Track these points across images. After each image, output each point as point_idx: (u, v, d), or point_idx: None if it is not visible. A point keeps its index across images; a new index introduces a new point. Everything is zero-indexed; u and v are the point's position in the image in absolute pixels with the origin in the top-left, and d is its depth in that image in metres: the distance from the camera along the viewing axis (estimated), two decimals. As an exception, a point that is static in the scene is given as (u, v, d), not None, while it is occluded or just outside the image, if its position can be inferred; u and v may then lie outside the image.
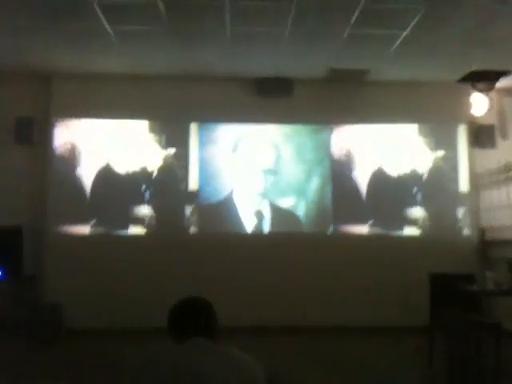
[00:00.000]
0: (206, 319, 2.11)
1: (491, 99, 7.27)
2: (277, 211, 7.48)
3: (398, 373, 5.29)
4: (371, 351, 6.19)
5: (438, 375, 5.11)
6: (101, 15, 5.40)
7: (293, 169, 7.54)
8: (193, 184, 7.43)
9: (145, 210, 7.35)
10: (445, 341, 4.97)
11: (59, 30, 5.83)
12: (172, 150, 7.45)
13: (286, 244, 7.31)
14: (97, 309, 6.93)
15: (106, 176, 7.36)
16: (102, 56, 6.68)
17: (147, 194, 7.38)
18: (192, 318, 2.10)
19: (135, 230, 7.32)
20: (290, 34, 5.88)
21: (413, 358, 5.73)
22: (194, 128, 7.51)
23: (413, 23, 5.54)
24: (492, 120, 7.61)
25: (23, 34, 5.93)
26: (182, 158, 7.44)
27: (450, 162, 7.67)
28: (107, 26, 5.71)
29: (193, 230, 7.40)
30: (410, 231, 7.53)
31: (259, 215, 7.45)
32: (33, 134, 7.19)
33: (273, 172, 7.52)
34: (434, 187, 7.61)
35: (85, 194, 7.31)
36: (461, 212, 7.60)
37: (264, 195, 7.48)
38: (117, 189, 7.36)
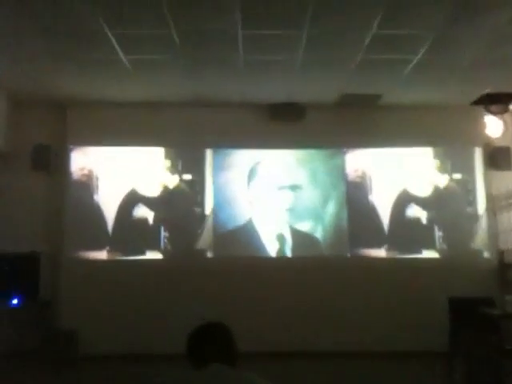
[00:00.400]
0: (224, 345, 2.11)
1: (505, 121, 7.26)
2: (295, 235, 7.45)
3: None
4: (389, 376, 6.09)
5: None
6: (116, 45, 5.51)
7: (309, 193, 7.53)
8: (208, 209, 7.45)
9: (161, 236, 7.38)
10: (464, 365, 4.88)
11: (75, 60, 5.95)
12: (187, 176, 7.50)
13: (304, 268, 7.26)
14: (112, 334, 6.92)
15: (121, 202, 7.41)
16: (117, 84, 6.79)
17: (163, 220, 7.41)
18: (210, 343, 2.09)
19: (151, 255, 7.33)
20: (302, 60, 5.94)
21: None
22: (208, 154, 7.56)
23: (425, 47, 5.58)
24: (507, 142, 7.57)
25: (40, 63, 6.07)
26: (197, 183, 7.48)
27: (467, 184, 7.62)
28: (122, 56, 5.81)
29: (209, 254, 7.39)
30: (428, 254, 7.45)
31: (278, 239, 7.43)
32: (49, 161, 7.28)
33: (293, 190, 7.52)
34: (451, 210, 7.55)
35: (101, 220, 7.36)
36: (479, 234, 7.53)
37: (281, 219, 7.47)
38: (133, 215, 7.40)
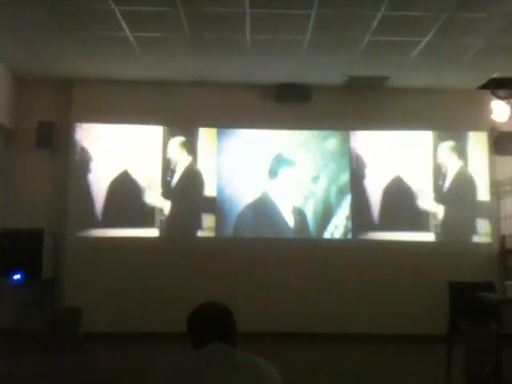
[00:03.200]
0: (224, 325, 2.11)
1: (512, 106, 7.21)
2: (296, 217, 7.47)
3: (415, 383, 5.25)
4: (387, 360, 6.14)
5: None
6: (122, 22, 5.46)
7: (311, 174, 7.53)
8: (211, 189, 7.45)
9: (164, 214, 7.39)
10: (463, 350, 4.91)
11: (81, 37, 5.91)
12: (191, 156, 7.49)
13: (305, 249, 7.30)
14: (115, 312, 6.97)
15: (124, 180, 7.41)
16: (123, 62, 6.75)
17: (168, 198, 7.42)
18: (211, 323, 2.10)
19: (154, 233, 7.36)
20: (310, 41, 5.89)
21: (430, 368, 5.67)
22: (212, 134, 7.54)
23: (433, 30, 5.52)
24: (513, 127, 7.53)
25: (45, 40, 6.03)
26: (201, 163, 7.47)
27: (471, 168, 7.60)
28: (128, 33, 5.77)
29: (212, 234, 7.42)
30: (430, 238, 7.47)
31: (279, 221, 7.45)
32: (54, 138, 7.25)
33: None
34: (454, 194, 7.54)
35: (104, 198, 7.37)
36: (481, 220, 7.53)
37: (284, 201, 7.48)
38: (136, 193, 7.41)
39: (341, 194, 7.53)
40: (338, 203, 7.52)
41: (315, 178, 7.52)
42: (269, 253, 7.26)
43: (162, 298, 7.00)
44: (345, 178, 7.54)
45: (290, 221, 7.46)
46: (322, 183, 7.53)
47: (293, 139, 7.58)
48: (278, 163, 7.55)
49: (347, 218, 7.50)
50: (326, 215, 7.50)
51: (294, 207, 7.48)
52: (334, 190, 7.54)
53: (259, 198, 7.46)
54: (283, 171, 7.54)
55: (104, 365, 5.74)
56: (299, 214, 7.48)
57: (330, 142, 7.61)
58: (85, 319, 6.73)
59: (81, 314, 6.71)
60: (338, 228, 7.50)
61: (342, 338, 6.81)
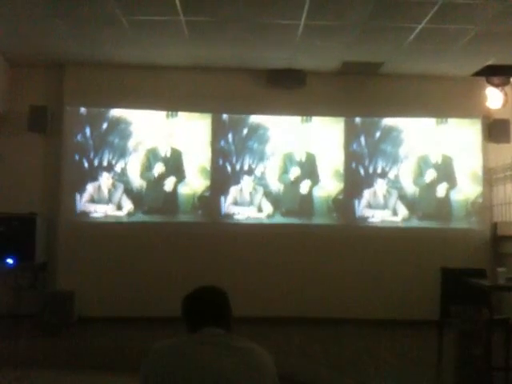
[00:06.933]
0: (219, 309, 2.12)
1: (506, 94, 7.21)
2: (289, 201, 7.48)
3: (406, 367, 5.29)
4: (380, 345, 6.18)
5: (446, 370, 5.09)
6: (115, 4, 5.40)
7: (306, 158, 7.54)
8: (208, 172, 7.45)
9: (159, 198, 7.38)
10: (454, 336, 4.96)
11: (73, 19, 5.83)
12: (184, 141, 7.47)
13: (296, 234, 7.33)
14: (109, 297, 6.98)
15: (119, 163, 7.39)
16: (116, 45, 6.68)
17: (161, 182, 7.40)
18: (206, 307, 2.10)
19: (148, 217, 7.35)
20: (304, 26, 5.85)
21: (421, 353, 5.72)
22: (206, 118, 7.51)
23: (429, 16, 5.49)
24: (507, 115, 7.53)
25: (37, 22, 5.94)
26: (193, 147, 7.45)
27: (464, 155, 7.61)
28: (121, 16, 5.70)
29: (205, 219, 7.42)
30: (422, 225, 7.50)
31: (275, 204, 7.46)
32: (46, 122, 7.19)
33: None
34: (448, 181, 7.56)
35: (97, 182, 7.35)
36: (474, 206, 7.55)
37: (278, 184, 7.50)
38: (129, 177, 7.38)
39: (333, 178, 7.53)
40: (330, 187, 7.53)
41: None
42: (265, 237, 7.29)
43: (157, 282, 7.01)
44: (338, 162, 7.54)
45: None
46: (315, 167, 7.54)
47: (289, 123, 7.59)
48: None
49: (340, 202, 7.52)
50: (318, 199, 7.51)
51: (285, 191, 7.52)
52: (326, 174, 7.52)
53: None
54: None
55: (97, 349, 5.75)
56: (289, 198, 7.50)
57: (325, 126, 7.60)
58: (78, 303, 6.73)
59: (74, 298, 6.71)
60: (330, 212, 7.51)
61: (335, 323, 6.85)
